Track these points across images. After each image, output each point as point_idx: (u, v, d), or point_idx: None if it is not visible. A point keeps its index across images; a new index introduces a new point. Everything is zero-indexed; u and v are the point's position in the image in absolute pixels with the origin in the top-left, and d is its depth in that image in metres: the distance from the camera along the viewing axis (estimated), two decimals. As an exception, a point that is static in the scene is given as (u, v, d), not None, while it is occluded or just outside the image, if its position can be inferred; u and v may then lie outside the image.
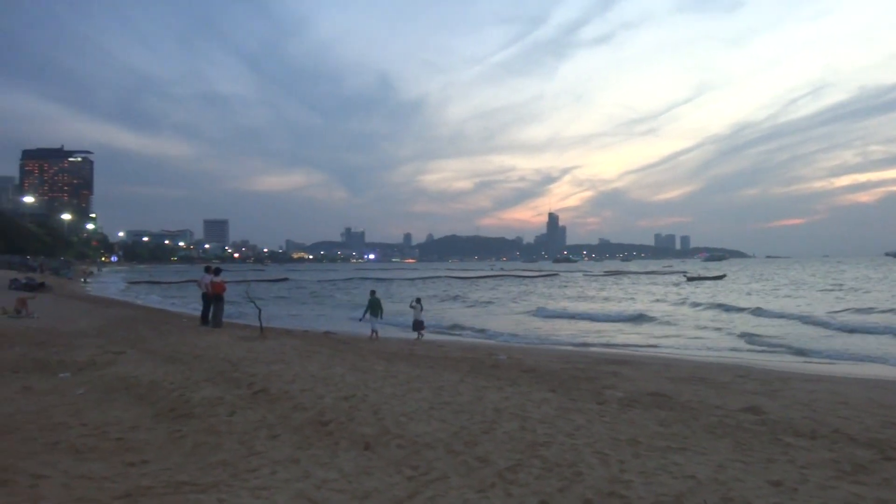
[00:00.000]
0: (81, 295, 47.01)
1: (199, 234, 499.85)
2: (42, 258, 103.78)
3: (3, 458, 6.18)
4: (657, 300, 46.63)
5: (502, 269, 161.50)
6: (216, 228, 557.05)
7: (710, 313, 34.96)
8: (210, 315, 20.99)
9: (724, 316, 33.08)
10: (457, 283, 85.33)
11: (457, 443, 6.84)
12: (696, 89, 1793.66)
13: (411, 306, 22.11)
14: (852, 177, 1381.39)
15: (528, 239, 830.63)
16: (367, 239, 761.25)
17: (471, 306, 44.17)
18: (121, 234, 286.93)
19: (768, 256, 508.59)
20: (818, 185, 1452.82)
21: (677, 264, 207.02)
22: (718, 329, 26.26)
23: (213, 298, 20.98)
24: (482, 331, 26.36)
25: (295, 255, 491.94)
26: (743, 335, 23.63)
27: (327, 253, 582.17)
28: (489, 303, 46.41)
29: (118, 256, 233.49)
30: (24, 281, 43.02)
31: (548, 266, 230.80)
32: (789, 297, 48.12)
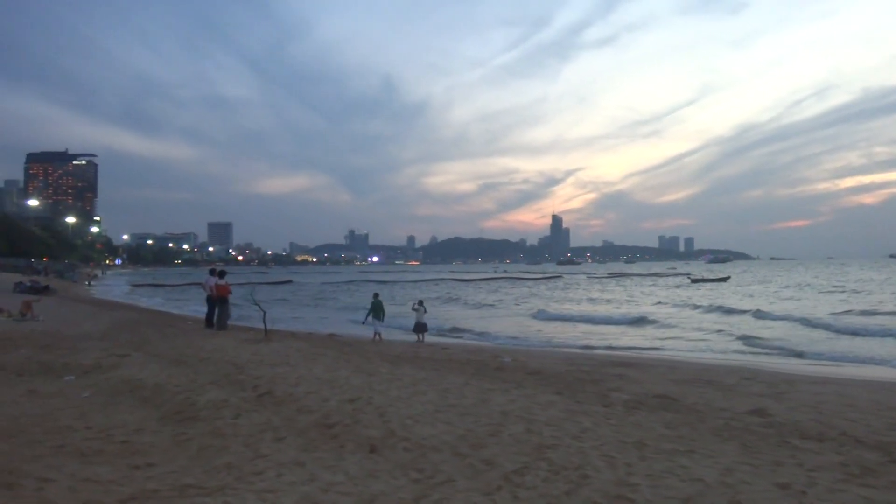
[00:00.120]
0: (86, 298, 47.13)
1: (203, 236, 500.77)
2: (46, 261, 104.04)
3: (8, 462, 6.18)
4: (659, 302, 46.51)
5: (506, 272, 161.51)
6: (220, 231, 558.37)
7: (713, 316, 34.83)
8: (215, 318, 21.02)
9: (728, 318, 32.91)
10: (458, 286, 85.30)
11: (463, 445, 6.82)
12: (699, 91, 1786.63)
13: (413, 308, 22.06)
14: (857, 178, 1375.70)
15: (532, 241, 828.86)
16: (371, 241, 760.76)
17: (471, 308, 44.15)
18: (125, 236, 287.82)
19: (772, 258, 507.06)
20: (822, 186, 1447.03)
21: (681, 266, 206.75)
22: (722, 332, 26.12)
23: (217, 301, 21.01)
24: (482, 333, 26.26)
25: (299, 258, 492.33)
26: (746, 338, 23.51)
27: (331, 255, 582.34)
28: (489, 305, 46.34)
29: (122, 259, 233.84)
30: (28, 284, 43.13)
31: (551, 268, 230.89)
32: (793, 299, 47.99)
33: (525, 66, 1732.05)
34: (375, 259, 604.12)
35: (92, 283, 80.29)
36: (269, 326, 19.35)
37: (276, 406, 8.88)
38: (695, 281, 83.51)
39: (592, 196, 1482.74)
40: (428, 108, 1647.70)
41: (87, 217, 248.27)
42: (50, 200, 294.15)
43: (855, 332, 24.43)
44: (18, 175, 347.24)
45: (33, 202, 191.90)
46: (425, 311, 21.88)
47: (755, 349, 20.97)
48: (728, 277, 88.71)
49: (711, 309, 38.11)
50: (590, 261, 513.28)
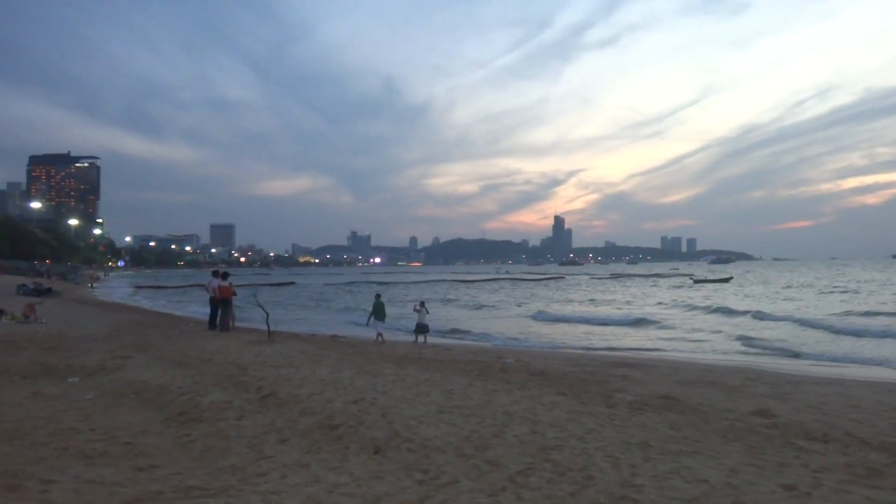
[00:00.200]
0: (89, 300, 47.16)
1: (205, 238, 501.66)
2: (49, 263, 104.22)
3: (12, 464, 6.18)
4: (660, 303, 46.44)
5: (508, 272, 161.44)
6: (222, 233, 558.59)
7: (715, 316, 34.80)
8: (218, 319, 21.03)
9: (729, 319, 32.89)
10: (459, 287, 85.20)
11: (467, 446, 6.81)
12: (701, 92, 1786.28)
13: (415, 310, 22.04)
14: (859, 179, 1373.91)
15: (534, 242, 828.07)
16: (373, 243, 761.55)
17: (470, 309, 44.16)
18: (127, 238, 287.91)
19: (775, 259, 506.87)
20: (825, 187, 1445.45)
21: (683, 267, 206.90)
22: (723, 333, 26.11)
23: (220, 302, 21.01)
24: (482, 334, 26.20)
25: (301, 259, 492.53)
26: (748, 339, 23.48)
27: (333, 257, 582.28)
28: (488, 306, 46.34)
29: (125, 261, 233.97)
30: (31, 286, 43.17)
31: (553, 269, 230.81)
32: (794, 300, 47.93)
33: (527, 68, 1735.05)
34: (377, 260, 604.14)
35: (95, 285, 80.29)
36: (271, 328, 19.34)
37: (280, 407, 8.87)
38: (697, 281, 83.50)
39: (594, 197, 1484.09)
40: (430, 110, 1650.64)
41: (89, 219, 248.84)
42: (52, 203, 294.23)
43: (855, 333, 24.37)
44: (21, 177, 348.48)
45: (36, 204, 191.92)
46: (427, 313, 21.86)
47: (755, 350, 20.96)
48: (730, 278, 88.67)
49: (713, 310, 38.06)
50: (592, 262, 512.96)
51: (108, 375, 12.02)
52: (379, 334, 20.79)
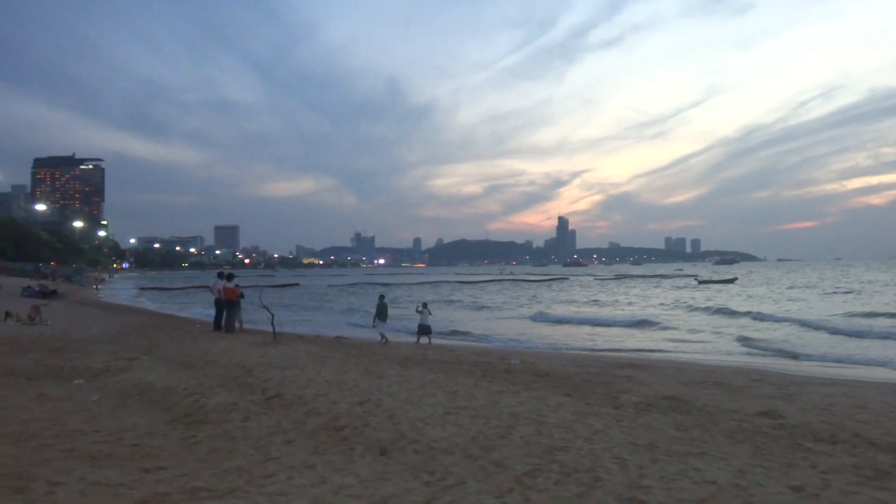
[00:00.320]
0: (94, 302, 47.26)
1: (209, 240, 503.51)
2: (54, 265, 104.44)
3: (19, 466, 6.17)
4: (663, 304, 46.36)
5: (512, 273, 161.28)
6: (227, 234, 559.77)
7: (717, 317, 34.71)
8: (223, 321, 21.03)
9: (731, 320, 32.79)
10: (461, 288, 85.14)
11: (473, 448, 6.79)
12: (705, 92, 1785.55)
13: (418, 311, 22.03)
14: (864, 179, 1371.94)
15: (538, 243, 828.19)
16: (377, 244, 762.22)
17: (471, 311, 44.16)
18: (132, 240, 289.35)
19: (780, 259, 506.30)
20: (829, 187, 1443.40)
21: (688, 268, 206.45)
22: (727, 334, 26.03)
23: (225, 304, 21.01)
24: (482, 336, 26.16)
25: (305, 261, 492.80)
26: (751, 340, 23.43)
27: (337, 258, 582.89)
28: (488, 308, 46.32)
29: (129, 263, 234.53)
30: (36, 288, 43.30)
31: (557, 270, 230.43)
32: (798, 300, 47.84)
33: (530, 68, 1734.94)
34: (381, 261, 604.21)
35: (99, 286, 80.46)
36: (276, 329, 19.33)
37: (286, 409, 8.86)
38: (702, 282, 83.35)
39: (598, 198, 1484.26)
40: (433, 111, 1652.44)
41: (94, 221, 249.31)
42: (57, 205, 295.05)
43: (858, 335, 24.28)
44: (26, 180, 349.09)
45: (41, 207, 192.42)
46: (430, 314, 21.85)
47: (757, 351, 20.91)
48: (735, 279, 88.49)
49: (717, 311, 37.94)
50: (596, 262, 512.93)
51: (113, 377, 12.02)
52: (382, 335, 20.82)
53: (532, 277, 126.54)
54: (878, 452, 6.81)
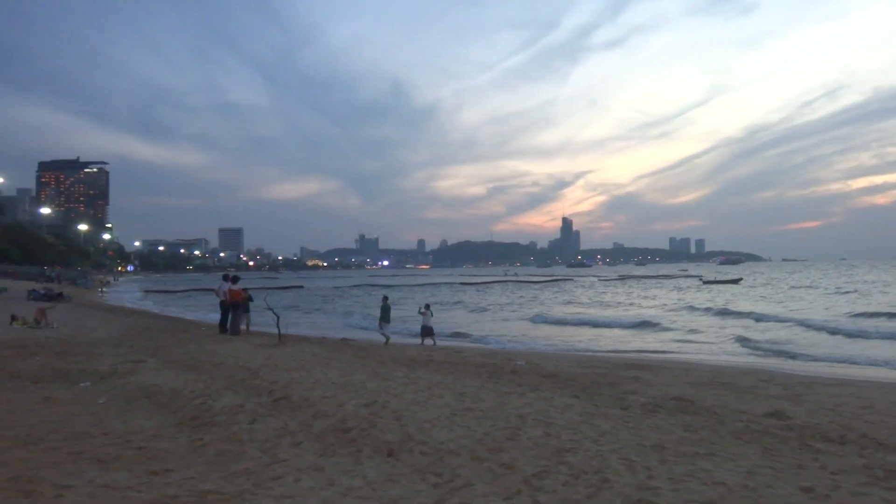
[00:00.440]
0: (99, 304, 47.35)
1: (214, 242, 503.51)
2: (59, 268, 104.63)
3: (27, 469, 6.19)
4: (664, 305, 46.23)
5: (516, 275, 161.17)
6: (231, 237, 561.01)
7: (722, 319, 34.54)
8: (228, 323, 21.06)
9: (736, 321, 32.64)
10: (463, 289, 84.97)
11: (481, 449, 6.78)
12: (709, 92, 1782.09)
13: (420, 312, 22.08)
14: (869, 179, 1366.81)
15: (542, 244, 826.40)
16: (381, 246, 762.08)
17: (470, 312, 44.11)
18: (137, 243, 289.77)
19: (784, 259, 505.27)
20: (834, 187, 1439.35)
21: (692, 268, 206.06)
22: (729, 334, 25.89)
23: (231, 306, 21.04)
24: (482, 337, 26.15)
25: (309, 263, 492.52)
26: (754, 340, 23.37)
27: (341, 260, 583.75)
28: (489, 309, 46.26)
29: (134, 266, 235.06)
30: (42, 291, 43.41)
31: (562, 271, 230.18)
32: (802, 301, 47.74)
33: (534, 69, 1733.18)
34: (386, 263, 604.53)
35: (105, 289, 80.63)
36: (281, 331, 19.37)
37: (293, 411, 8.86)
38: (707, 283, 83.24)
39: (602, 198, 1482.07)
40: (437, 112, 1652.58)
41: (98, 224, 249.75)
42: (62, 208, 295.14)
43: (860, 335, 24.22)
44: (30, 183, 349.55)
45: (45, 210, 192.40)
46: (431, 315, 21.89)
47: (758, 352, 20.82)
48: (740, 279, 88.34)
49: (720, 312, 37.77)
50: (600, 263, 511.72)
51: (119, 380, 12.03)
52: (387, 336, 20.86)
53: (535, 279, 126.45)
54: (888, 453, 6.78)
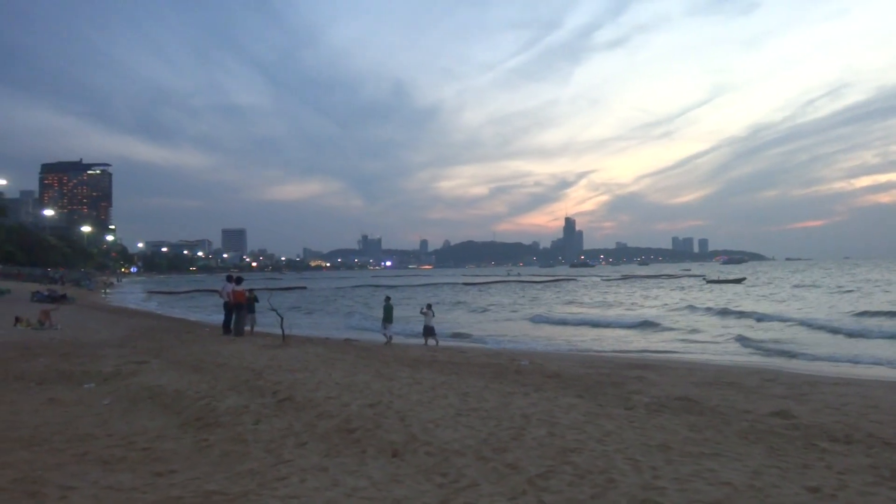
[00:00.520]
0: (103, 306, 47.42)
1: (217, 243, 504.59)
2: (63, 270, 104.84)
3: (31, 470, 6.19)
4: (666, 304, 46.08)
5: (519, 275, 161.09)
6: (234, 238, 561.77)
7: (724, 318, 34.40)
8: (232, 323, 21.08)
9: (738, 321, 32.52)
10: (464, 290, 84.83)
11: (486, 449, 6.76)
12: (711, 92, 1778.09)
13: (422, 312, 22.13)
14: (872, 177, 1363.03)
15: (545, 244, 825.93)
16: (384, 246, 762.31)
17: (472, 312, 44.09)
18: (140, 245, 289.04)
19: (788, 258, 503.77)
20: (838, 186, 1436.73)
21: (695, 268, 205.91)
22: (731, 334, 25.77)
23: (234, 307, 21.06)
24: (483, 338, 26.14)
25: (312, 263, 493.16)
26: (754, 340, 23.29)
27: (344, 260, 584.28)
28: (490, 310, 46.18)
29: (138, 267, 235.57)
30: (46, 293, 43.48)
31: (564, 271, 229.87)
32: (805, 300, 47.66)
33: (536, 69, 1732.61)
34: (388, 264, 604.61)
35: (108, 291, 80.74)
36: (285, 332, 19.37)
37: (297, 411, 8.85)
38: (710, 282, 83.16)
39: (605, 198, 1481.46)
40: (439, 113, 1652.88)
41: (102, 226, 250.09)
42: (65, 210, 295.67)
43: (862, 334, 24.14)
44: (34, 185, 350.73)
45: (49, 212, 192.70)
46: (433, 315, 21.92)
47: (759, 351, 20.76)
48: (744, 279, 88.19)
49: (722, 311, 37.59)
50: (603, 263, 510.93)
51: (123, 381, 12.03)
52: (389, 337, 20.89)
53: (537, 278, 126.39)
54: (895, 452, 6.75)
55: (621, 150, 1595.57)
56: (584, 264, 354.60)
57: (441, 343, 21.44)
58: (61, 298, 41.87)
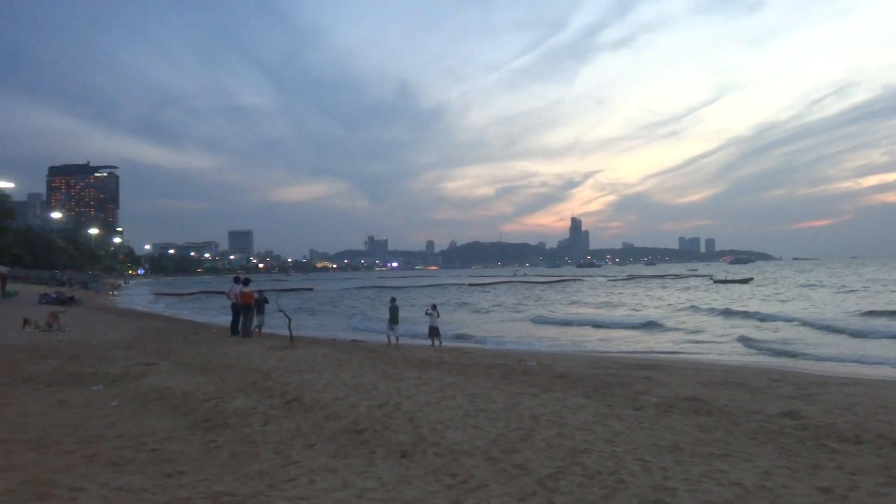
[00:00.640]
0: (111, 308, 47.50)
1: (224, 245, 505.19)
2: (70, 272, 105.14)
3: (41, 472, 6.20)
4: (670, 305, 45.84)
5: (525, 275, 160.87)
6: (241, 239, 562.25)
7: (725, 318, 34.24)
8: (240, 325, 21.11)
9: (742, 321, 32.31)
10: (469, 290, 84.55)
11: (495, 450, 6.75)
12: (717, 91, 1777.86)
13: (427, 313, 22.13)
14: (879, 176, 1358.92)
15: (552, 244, 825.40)
16: (391, 247, 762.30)
17: (472, 313, 43.96)
18: (147, 247, 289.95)
19: (795, 258, 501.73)
20: (845, 185, 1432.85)
21: (702, 268, 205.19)
22: (735, 334, 25.62)
23: (242, 308, 21.09)
24: (484, 339, 26.06)
25: (319, 265, 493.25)
26: (757, 340, 23.18)
27: (351, 262, 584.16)
28: (491, 310, 46.06)
29: (145, 269, 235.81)
30: (54, 295, 43.52)
31: (571, 271, 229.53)
32: (813, 299, 47.47)
33: (541, 70, 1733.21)
34: (395, 265, 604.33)
35: (115, 293, 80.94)
36: (293, 333, 19.40)
37: (305, 412, 8.85)
38: (717, 282, 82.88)
39: (611, 198, 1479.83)
40: (445, 114, 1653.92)
41: (109, 228, 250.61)
42: (72, 212, 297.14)
43: (868, 334, 24.01)
44: (41, 188, 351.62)
45: (56, 214, 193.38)
46: (438, 316, 21.91)
47: (767, 352, 20.66)
48: (751, 279, 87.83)
49: (729, 311, 37.32)
50: (610, 263, 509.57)
51: (132, 382, 12.05)
52: (396, 337, 20.89)
53: (543, 279, 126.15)
54: (905, 452, 6.72)
55: (627, 150, 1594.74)
56: (591, 265, 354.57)
57: (443, 344, 21.40)
58: (69, 301, 41.92)
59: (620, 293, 67.15)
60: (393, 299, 22.97)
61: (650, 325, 30.52)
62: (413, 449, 6.93)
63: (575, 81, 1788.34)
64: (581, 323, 33.13)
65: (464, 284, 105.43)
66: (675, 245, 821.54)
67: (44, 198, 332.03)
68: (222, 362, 14.20)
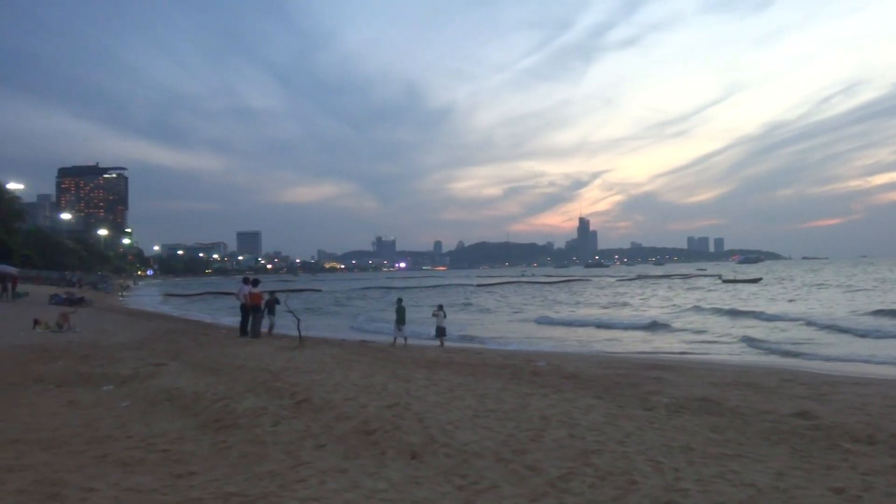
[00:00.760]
0: (120, 308, 47.71)
1: (232, 246, 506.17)
2: (80, 273, 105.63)
3: (52, 472, 6.21)
4: (676, 305, 45.53)
5: (533, 275, 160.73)
6: (249, 240, 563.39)
7: (738, 318, 33.99)
8: (249, 325, 21.17)
9: (754, 320, 32.03)
10: (474, 290, 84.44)
11: (505, 451, 6.73)
12: (726, 90, 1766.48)
13: (434, 314, 22.12)
14: (889, 175, 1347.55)
15: (559, 244, 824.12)
16: (398, 248, 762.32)
17: (475, 313, 43.85)
18: (156, 248, 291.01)
19: (804, 257, 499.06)
20: (854, 184, 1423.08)
21: (711, 267, 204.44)
22: (739, 334, 25.43)
23: (251, 309, 21.15)
24: (487, 339, 25.96)
25: (327, 265, 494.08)
26: (763, 341, 23.04)
27: (359, 262, 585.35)
28: (490, 311, 45.92)
29: (154, 270, 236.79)
30: (64, 296, 43.73)
31: (579, 271, 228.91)
32: (822, 299, 47.24)
33: (549, 69, 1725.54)
34: (403, 265, 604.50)
35: (125, 293, 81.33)
36: (302, 333, 19.43)
37: (315, 413, 8.85)
38: (726, 281, 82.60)
39: (619, 198, 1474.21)
40: (452, 114, 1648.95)
41: (118, 229, 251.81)
42: (82, 214, 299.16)
43: (878, 333, 23.82)
44: (51, 189, 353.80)
45: (66, 216, 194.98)
46: (445, 316, 21.89)
47: (776, 353, 20.52)
48: (760, 278, 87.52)
49: (737, 311, 37.06)
50: (618, 263, 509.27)
51: (142, 383, 12.09)
52: (404, 338, 20.90)
53: (550, 279, 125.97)
54: (920, 453, 6.67)
55: (635, 150, 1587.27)
56: (599, 264, 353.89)
57: (446, 345, 21.36)
58: (79, 301, 42.11)
59: (630, 293, 66.91)
60: (399, 300, 22.96)
61: (658, 326, 30.31)
62: (423, 450, 6.92)
63: (582, 81, 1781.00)
64: (585, 324, 32.91)
65: (471, 285, 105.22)
66: (683, 245, 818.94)
67: (53, 199, 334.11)
68: (232, 363, 14.24)
